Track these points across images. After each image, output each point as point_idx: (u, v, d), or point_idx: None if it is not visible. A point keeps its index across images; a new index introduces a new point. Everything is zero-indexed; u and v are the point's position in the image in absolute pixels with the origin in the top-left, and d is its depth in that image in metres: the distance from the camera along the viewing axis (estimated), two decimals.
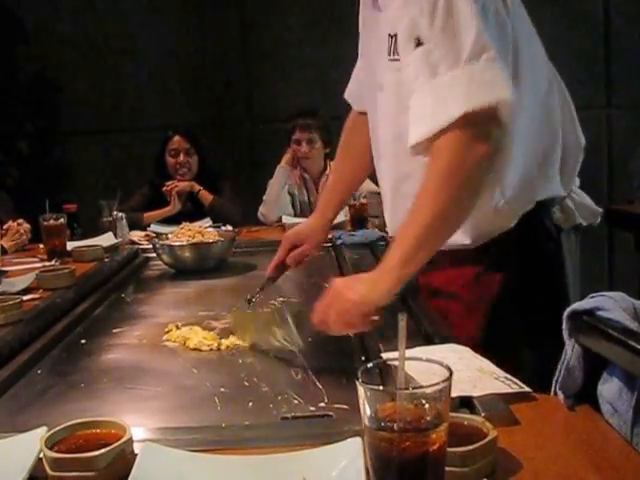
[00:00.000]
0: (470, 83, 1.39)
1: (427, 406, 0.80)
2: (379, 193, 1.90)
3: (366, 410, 0.81)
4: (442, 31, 1.42)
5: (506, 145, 1.50)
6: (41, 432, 1.04)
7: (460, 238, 1.63)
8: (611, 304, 1.04)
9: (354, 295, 1.39)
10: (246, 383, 1.45)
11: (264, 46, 4.96)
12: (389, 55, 1.60)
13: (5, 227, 3.08)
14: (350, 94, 2.06)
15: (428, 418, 0.80)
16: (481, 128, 1.40)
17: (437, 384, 0.80)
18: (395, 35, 1.57)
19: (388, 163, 1.78)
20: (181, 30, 4.97)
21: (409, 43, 1.49)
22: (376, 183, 1.92)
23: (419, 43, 1.46)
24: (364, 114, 1.90)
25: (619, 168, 4.89)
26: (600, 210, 1.86)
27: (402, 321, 0.83)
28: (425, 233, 1.37)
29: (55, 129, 5.01)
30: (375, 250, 2.64)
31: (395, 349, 0.83)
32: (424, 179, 1.42)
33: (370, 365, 0.87)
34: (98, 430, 1.05)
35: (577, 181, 1.84)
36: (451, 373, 0.81)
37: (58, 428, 1.04)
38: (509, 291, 1.70)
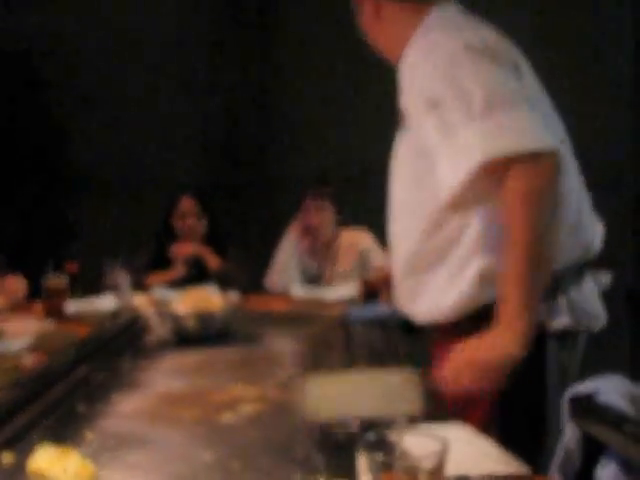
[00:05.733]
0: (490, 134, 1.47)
1: None
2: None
3: None
4: (451, 86, 1.48)
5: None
6: None
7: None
8: (609, 388, 1.12)
9: (492, 351, 1.55)
10: (245, 458, 1.47)
11: (281, 105, 5.12)
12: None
13: None
14: None
15: None
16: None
17: (432, 458, 0.86)
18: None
19: (403, 226, 1.80)
20: (192, 85, 5.15)
21: (422, 105, 1.56)
22: None
23: (432, 104, 1.52)
24: None
25: None
26: (604, 314, 1.79)
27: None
28: (525, 274, 1.55)
29: (58, 183, 5.11)
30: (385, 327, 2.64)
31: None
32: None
33: (370, 436, 0.93)
34: None
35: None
36: (446, 448, 0.88)
37: None
38: None
